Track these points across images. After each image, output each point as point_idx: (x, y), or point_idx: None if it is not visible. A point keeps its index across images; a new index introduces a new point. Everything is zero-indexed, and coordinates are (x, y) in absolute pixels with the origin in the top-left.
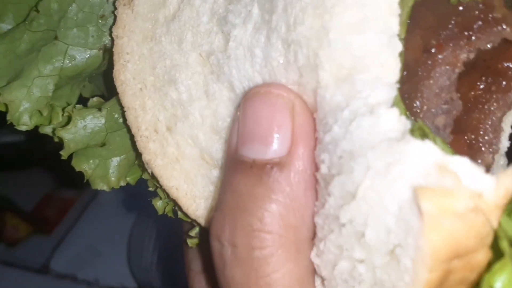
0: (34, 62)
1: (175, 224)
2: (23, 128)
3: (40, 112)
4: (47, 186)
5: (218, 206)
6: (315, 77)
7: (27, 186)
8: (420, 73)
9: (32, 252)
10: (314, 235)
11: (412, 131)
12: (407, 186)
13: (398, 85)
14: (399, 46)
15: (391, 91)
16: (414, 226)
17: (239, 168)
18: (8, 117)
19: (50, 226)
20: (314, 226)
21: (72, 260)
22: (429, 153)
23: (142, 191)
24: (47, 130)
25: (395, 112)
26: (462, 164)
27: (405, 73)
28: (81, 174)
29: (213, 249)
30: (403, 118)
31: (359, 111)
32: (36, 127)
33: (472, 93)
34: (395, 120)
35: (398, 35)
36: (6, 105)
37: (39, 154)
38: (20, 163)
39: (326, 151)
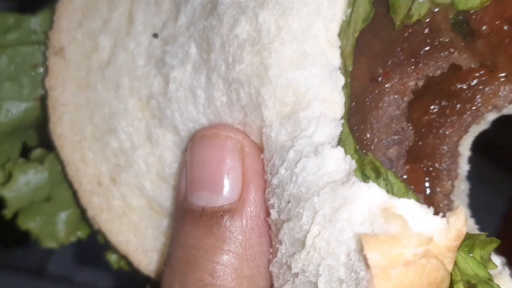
0: None
1: None
2: None
3: None
4: None
5: (167, 260)
6: (259, 116)
7: None
8: (368, 103)
9: (29, 254)
10: (270, 284)
11: (360, 170)
12: (354, 234)
13: (343, 121)
14: (341, 80)
15: (336, 127)
16: (363, 277)
17: (188, 218)
18: None
19: None
20: (271, 275)
21: (69, 263)
22: (374, 196)
23: None
24: None
25: (340, 151)
26: (408, 206)
27: (353, 104)
28: None
29: None
30: (348, 157)
31: (304, 152)
32: None
33: (426, 117)
34: (340, 160)
35: (344, 67)
36: None
37: None
38: None
39: (274, 195)
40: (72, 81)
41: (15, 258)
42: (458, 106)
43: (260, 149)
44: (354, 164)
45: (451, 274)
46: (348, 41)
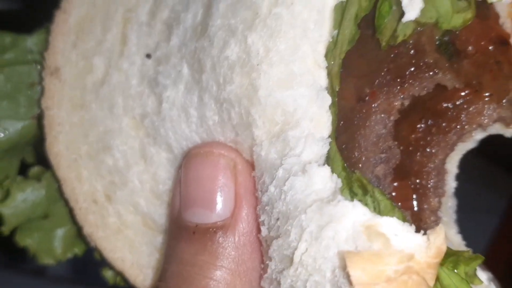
0: None
1: None
2: None
3: None
4: None
5: (162, 276)
6: (250, 135)
7: None
8: (356, 122)
9: (29, 254)
10: None
11: (347, 188)
12: (338, 251)
13: (330, 140)
14: (328, 99)
15: (324, 146)
16: None
17: (182, 235)
18: None
19: None
20: None
21: (70, 263)
22: (358, 215)
23: None
24: None
25: (326, 170)
26: (391, 224)
27: (341, 123)
28: None
29: None
30: (335, 176)
31: (292, 170)
32: None
33: (413, 136)
34: (326, 179)
35: (331, 87)
36: None
37: None
38: None
39: (264, 213)
40: (68, 101)
41: (15, 258)
42: (444, 124)
43: (252, 167)
44: (340, 183)
45: None
46: (335, 61)
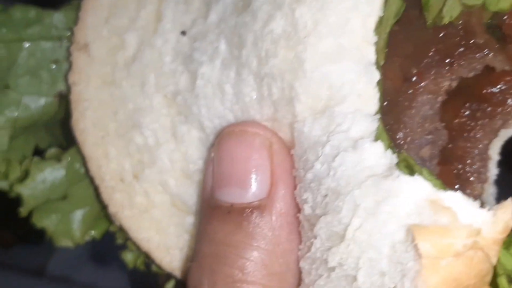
0: None
1: None
2: None
3: None
4: None
5: (195, 256)
6: (291, 111)
7: None
8: (401, 103)
9: (28, 254)
10: (300, 281)
11: (399, 165)
12: (399, 226)
13: (379, 116)
14: (376, 75)
15: (373, 123)
16: (411, 268)
17: (215, 214)
18: None
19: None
20: (300, 272)
21: (69, 263)
22: (420, 189)
23: None
24: (2, 185)
25: (379, 146)
26: (456, 199)
27: (386, 103)
28: None
29: None
30: (389, 152)
31: (341, 146)
32: None
33: (457, 120)
34: (380, 155)
35: (376, 63)
36: None
37: None
38: None
39: (308, 190)
40: (96, 77)
41: (15, 258)
42: (489, 109)
43: (290, 145)
44: (395, 159)
45: (494, 267)
46: (381, 36)
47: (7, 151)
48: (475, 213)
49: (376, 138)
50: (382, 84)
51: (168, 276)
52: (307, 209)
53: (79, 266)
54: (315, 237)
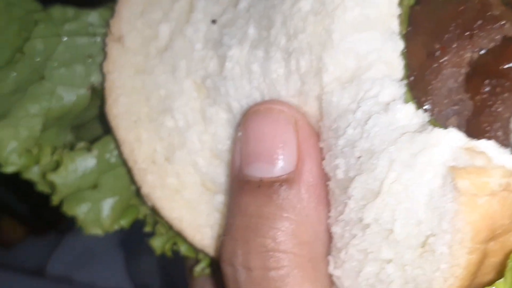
0: (21, 102)
1: None
2: (11, 169)
3: (28, 151)
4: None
5: (227, 230)
6: (318, 83)
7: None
8: (427, 77)
9: (28, 254)
10: (328, 250)
11: (431, 122)
12: (436, 174)
13: (406, 81)
14: (401, 44)
15: (401, 87)
16: (449, 209)
17: (246, 189)
18: None
19: (46, 228)
20: (329, 241)
21: (69, 263)
22: (454, 139)
23: None
24: (31, 175)
25: (411, 107)
26: (489, 146)
27: (412, 78)
28: None
29: (226, 274)
30: (420, 111)
31: (373, 110)
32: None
33: (478, 97)
34: (412, 115)
35: (400, 33)
36: None
37: None
38: None
39: (340, 156)
40: (130, 66)
41: (15, 258)
42: (507, 84)
43: (315, 118)
44: (427, 116)
45: None
46: (404, 10)
47: (39, 139)
48: (508, 158)
49: (406, 101)
50: (407, 61)
51: (196, 260)
52: (339, 174)
53: (79, 266)
54: (349, 198)
